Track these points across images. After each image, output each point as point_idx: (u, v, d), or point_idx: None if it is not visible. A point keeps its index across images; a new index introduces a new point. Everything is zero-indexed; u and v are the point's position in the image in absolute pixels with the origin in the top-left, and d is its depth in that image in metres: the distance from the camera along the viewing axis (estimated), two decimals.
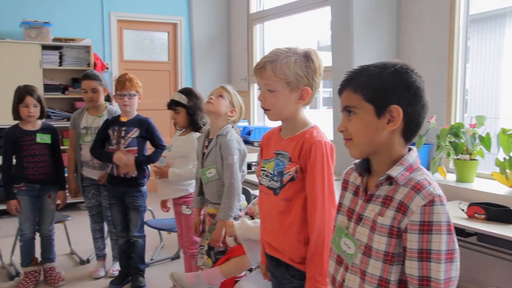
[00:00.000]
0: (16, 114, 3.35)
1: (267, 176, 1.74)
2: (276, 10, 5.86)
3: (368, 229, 1.23)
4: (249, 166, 2.78)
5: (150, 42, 6.45)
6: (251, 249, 2.32)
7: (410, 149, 1.25)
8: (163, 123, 6.24)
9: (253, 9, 6.23)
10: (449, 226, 1.12)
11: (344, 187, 1.38)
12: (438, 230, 1.11)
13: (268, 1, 6.19)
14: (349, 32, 3.98)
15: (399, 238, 1.16)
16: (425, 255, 1.11)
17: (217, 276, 2.47)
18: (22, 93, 3.31)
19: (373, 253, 1.21)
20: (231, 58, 6.62)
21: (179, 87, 6.42)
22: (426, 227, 1.11)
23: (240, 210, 2.62)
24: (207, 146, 2.66)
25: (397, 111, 1.19)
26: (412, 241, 1.13)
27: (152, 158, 3.32)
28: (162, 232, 4.27)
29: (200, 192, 2.74)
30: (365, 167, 1.30)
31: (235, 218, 2.56)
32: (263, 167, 1.77)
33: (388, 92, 1.20)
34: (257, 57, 6.27)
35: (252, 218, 2.45)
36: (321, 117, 8.13)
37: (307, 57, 1.65)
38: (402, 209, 1.15)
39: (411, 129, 1.22)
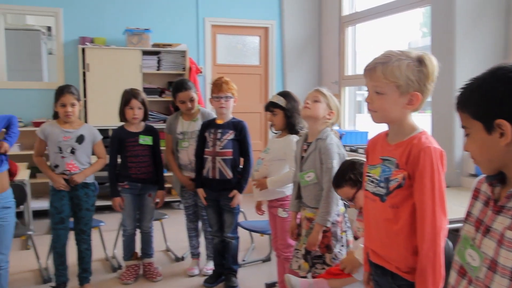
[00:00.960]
0: (122, 116, 3.54)
1: (372, 182, 1.70)
2: (369, 12, 5.73)
3: (495, 243, 1.14)
4: None
5: (242, 46, 6.57)
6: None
7: None
8: (254, 125, 6.34)
9: (345, 11, 6.14)
10: None
11: (475, 196, 1.30)
12: None
13: (361, 3, 6.08)
14: (451, 32, 3.79)
15: None
16: None
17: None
18: (128, 96, 3.50)
19: (499, 268, 1.12)
20: (322, 61, 6.57)
21: (270, 90, 6.50)
22: None
23: (338, 215, 2.58)
24: (305, 150, 2.65)
25: (504, 125, 1.09)
26: None
27: (248, 176, 3.40)
28: (253, 233, 4.32)
29: (298, 195, 2.73)
30: (498, 177, 1.22)
31: (332, 223, 2.54)
32: (369, 172, 1.73)
33: (489, 105, 1.11)
34: (349, 60, 6.17)
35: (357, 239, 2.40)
36: (364, 123, 7.69)
37: (420, 62, 1.59)
38: None
39: None
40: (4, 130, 3.02)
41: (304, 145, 2.68)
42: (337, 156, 2.53)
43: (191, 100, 3.63)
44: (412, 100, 1.61)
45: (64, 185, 3.26)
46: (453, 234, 1.98)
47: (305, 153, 2.64)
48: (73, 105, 3.27)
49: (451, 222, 1.82)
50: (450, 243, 1.98)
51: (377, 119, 1.67)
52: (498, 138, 1.11)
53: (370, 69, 1.63)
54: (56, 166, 3.28)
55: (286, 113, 3.01)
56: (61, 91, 3.28)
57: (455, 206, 2.31)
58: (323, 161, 2.53)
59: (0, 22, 5.54)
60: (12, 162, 3.02)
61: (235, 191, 3.38)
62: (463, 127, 1.21)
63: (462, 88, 1.20)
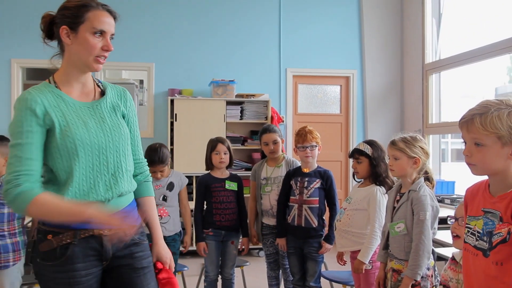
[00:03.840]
0: (209, 163, 3.67)
1: (473, 234, 1.63)
2: (454, 59, 5.62)
3: None
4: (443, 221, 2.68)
5: (323, 95, 6.65)
6: None
7: None
8: (335, 174, 6.22)
9: (429, 59, 6.07)
10: None
11: None
12: None
13: (445, 50, 5.98)
14: None
15: None
16: None
17: None
18: (215, 142, 3.65)
19: None
20: (405, 109, 6.47)
21: (351, 139, 6.48)
22: None
23: (428, 269, 2.48)
24: (398, 201, 2.62)
25: None
26: None
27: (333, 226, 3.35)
28: (334, 284, 4.21)
29: (385, 246, 2.68)
30: None
31: (422, 277, 2.44)
32: (469, 224, 1.66)
33: None
34: (433, 108, 6.05)
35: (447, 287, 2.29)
36: (449, 172, 7.35)
37: None
38: None
39: None
40: None
41: (397, 195, 2.65)
42: (430, 208, 2.48)
43: (274, 142, 3.69)
44: None
45: None
46: None
47: (397, 203, 2.61)
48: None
49: None
50: None
51: (477, 171, 1.62)
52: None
53: (467, 121, 1.59)
54: None
55: (372, 162, 3.01)
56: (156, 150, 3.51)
57: None
58: (415, 212, 2.48)
59: (100, 77, 6.04)
60: None
61: (325, 244, 3.38)
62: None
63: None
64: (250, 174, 3.94)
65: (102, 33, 1.76)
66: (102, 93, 1.91)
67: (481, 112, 1.55)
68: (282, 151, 3.83)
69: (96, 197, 1.77)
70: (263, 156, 3.92)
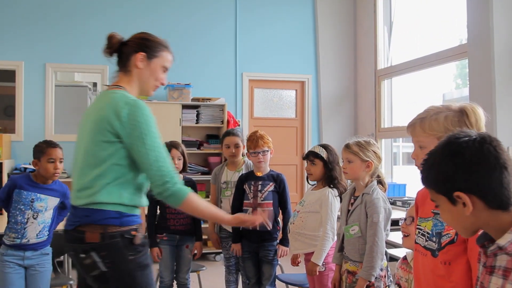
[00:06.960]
0: None
1: (423, 235, 1.68)
2: (405, 65, 5.80)
3: None
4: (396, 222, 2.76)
5: (278, 99, 6.70)
6: None
7: None
8: (290, 177, 6.33)
9: (381, 65, 6.23)
10: None
11: (478, 259, 1.28)
12: None
13: (396, 57, 6.17)
14: (490, 84, 3.79)
15: None
16: None
17: None
18: (168, 147, 3.59)
19: None
20: (358, 113, 6.62)
21: (306, 143, 6.57)
22: None
23: (382, 270, 2.54)
24: (352, 204, 2.67)
25: (462, 196, 1.15)
26: None
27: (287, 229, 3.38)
28: (290, 286, 4.24)
29: (341, 248, 2.72)
30: (488, 238, 1.21)
31: (376, 278, 2.50)
32: (419, 225, 1.72)
33: (445, 181, 1.17)
34: (385, 113, 6.21)
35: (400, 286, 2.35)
36: (401, 175, 7.70)
37: (462, 112, 1.61)
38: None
39: (491, 200, 1.14)
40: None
41: (351, 198, 2.70)
42: (383, 210, 2.54)
43: (236, 146, 3.69)
44: None
45: None
46: None
47: (352, 206, 2.66)
48: None
49: None
50: None
51: None
52: (462, 208, 1.16)
53: (411, 126, 1.68)
54: None
55: (327, 165, 3.05)
56: None
57: None
58: (368, 214, 2.54)
59: (51, 79, 5.85)
60: None
61: (282, 247, 3.40)
62: (432, 200, 1.26)
63: (422, 164, 1.27)
64: (205, 178, 3.93)
65: (166, 70, 2.22)
66: None
67: (422, 117, 1.65)
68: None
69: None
70: (224, 159, 3.90)
